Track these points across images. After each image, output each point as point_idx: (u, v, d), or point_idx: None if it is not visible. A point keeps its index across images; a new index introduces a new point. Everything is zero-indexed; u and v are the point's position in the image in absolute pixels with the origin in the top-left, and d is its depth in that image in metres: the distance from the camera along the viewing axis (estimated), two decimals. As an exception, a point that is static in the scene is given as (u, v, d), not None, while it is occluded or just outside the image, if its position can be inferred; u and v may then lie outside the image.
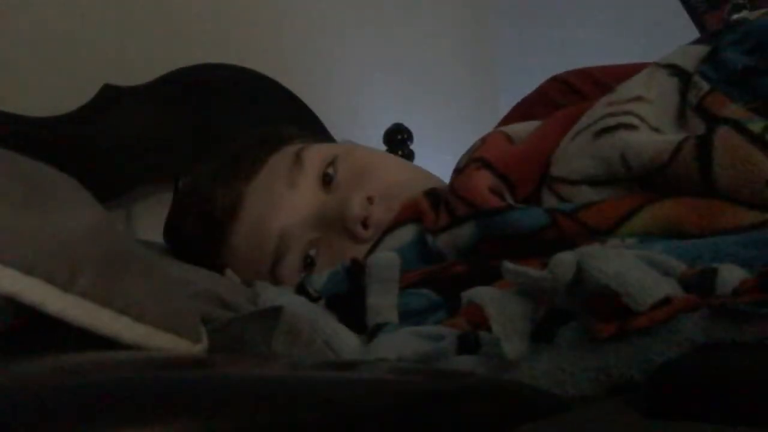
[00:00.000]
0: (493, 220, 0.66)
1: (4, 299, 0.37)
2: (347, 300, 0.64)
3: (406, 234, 0.76)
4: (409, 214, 0.77)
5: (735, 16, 1.58)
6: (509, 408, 0.36)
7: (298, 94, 1.42)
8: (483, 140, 0.77)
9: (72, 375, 0.31)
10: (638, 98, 0.67)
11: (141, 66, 1.24)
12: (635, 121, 0.65)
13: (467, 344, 0.46)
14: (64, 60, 1.17)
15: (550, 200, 0.68)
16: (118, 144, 1.16)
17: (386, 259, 0.63)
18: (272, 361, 0.44)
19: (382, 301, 0.61)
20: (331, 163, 0.84)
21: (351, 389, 0.33)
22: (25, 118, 1.08)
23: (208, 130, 1.25)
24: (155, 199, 1.25)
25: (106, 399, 0.28)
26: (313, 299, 0.67)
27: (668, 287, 0.40)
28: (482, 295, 0.43)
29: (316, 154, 0.85)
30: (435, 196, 0.77)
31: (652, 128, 0.65)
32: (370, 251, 0.77)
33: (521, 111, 0.92)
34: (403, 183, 0.83)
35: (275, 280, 0.82)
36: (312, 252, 0.82)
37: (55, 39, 1.17)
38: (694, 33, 1.60)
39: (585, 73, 0.90)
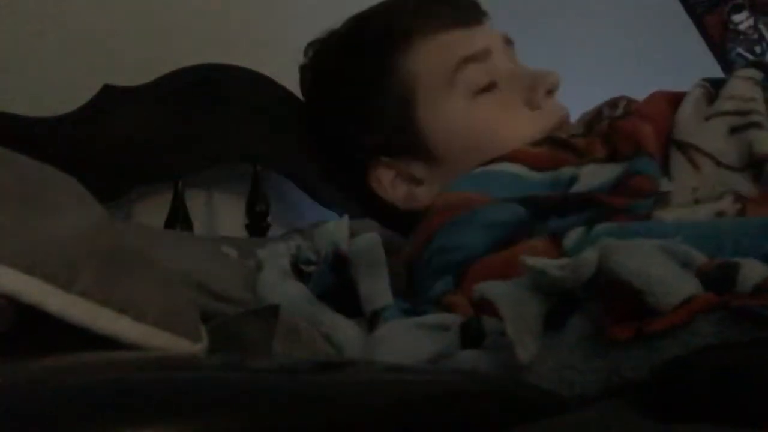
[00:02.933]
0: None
1: (4, 299, 0.37)
2: (338, 292, 0.64)
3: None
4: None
5: (734, 17, 1.57)
6: (509, 408, 0.36)
7: (298, 95, 1.41)
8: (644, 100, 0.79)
9: (72, 375, 0.31)
10: (752, 99, 0.72)
11: (141, 66, 1.24)
12: (761, 119, 0.70)
13: (471, 333, 0.46)
14: (64, 60, 1.17)
15: (679, 162, 0.71)
16: (118, 144, 1.16)
17: (366, 241, 0.63)
18: (272, 361, 0.44)
19: (374, 286, 0.61)
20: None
21: (351, 389, 0.33)
22: (25, 118, 1.07)
23: (208, 130, 1.25)
24: (155, 199, 1.24)
25: (107, 399, 0.28)
26: (306, 274, 0.69)
27: (691, 286, 0.40)
28: (495, 291, 0.43)
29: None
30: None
31: None
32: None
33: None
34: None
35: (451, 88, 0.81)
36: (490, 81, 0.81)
37: (55, 39, 1.17)
38: (694, 33, 1.59)
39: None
